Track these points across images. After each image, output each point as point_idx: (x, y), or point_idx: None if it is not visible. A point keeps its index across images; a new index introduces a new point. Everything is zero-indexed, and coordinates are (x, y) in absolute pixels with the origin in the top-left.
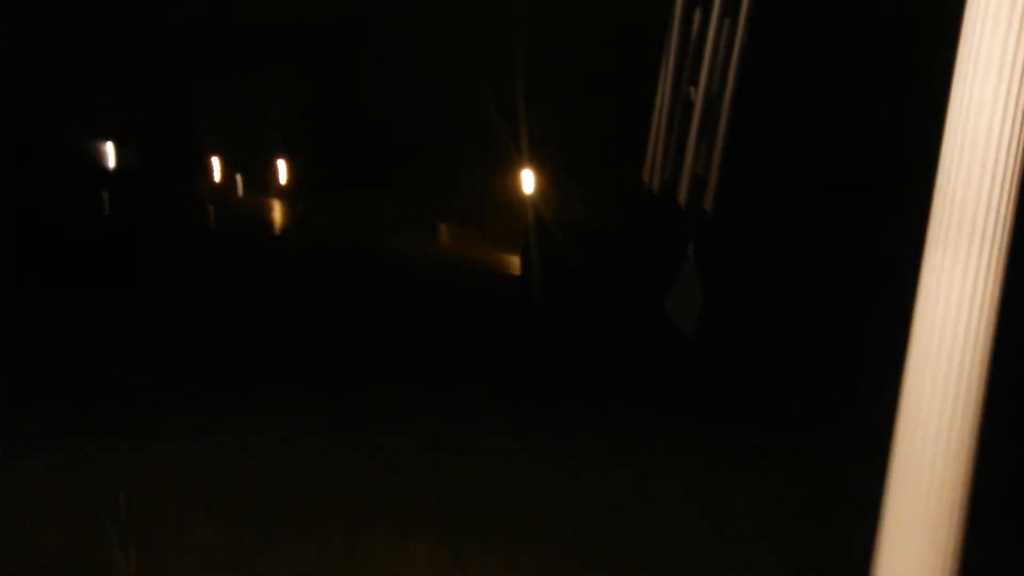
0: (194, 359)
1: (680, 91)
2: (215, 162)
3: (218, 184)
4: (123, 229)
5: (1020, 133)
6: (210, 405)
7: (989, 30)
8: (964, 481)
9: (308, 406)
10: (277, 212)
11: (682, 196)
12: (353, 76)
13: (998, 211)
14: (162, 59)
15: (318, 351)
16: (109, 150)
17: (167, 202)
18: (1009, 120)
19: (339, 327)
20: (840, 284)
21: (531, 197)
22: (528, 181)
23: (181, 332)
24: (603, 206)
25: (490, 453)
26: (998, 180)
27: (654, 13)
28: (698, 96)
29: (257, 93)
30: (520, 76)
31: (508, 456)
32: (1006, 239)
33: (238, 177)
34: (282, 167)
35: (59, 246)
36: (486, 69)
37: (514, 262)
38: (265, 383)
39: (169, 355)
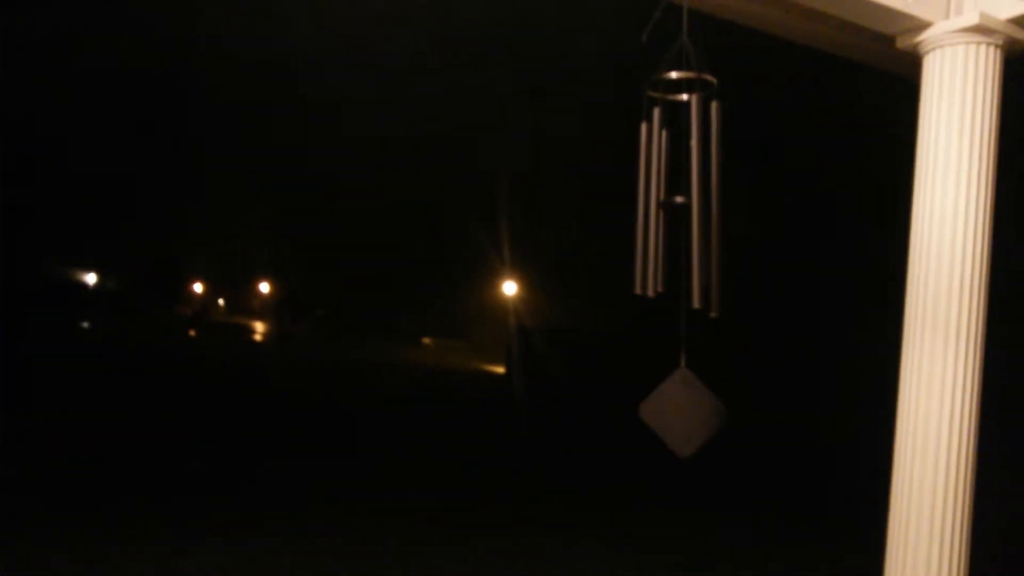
0: (172, 482)
1: (657, 203)
2: (198, 286)
3: (200, 307)
4: (99, 356)
5: (982, 229)
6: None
7: (944, 133)
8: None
9: (295, 523)
10: (260, 332)
11: (692, 303)
12: (336, 197)
13: (969, 307)
14: (144, 187)
15: (307, 465)
16: (90, 278)
17: (148, 328)
18: (972, 218)
19: (329, 442)
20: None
21: (513, 307)
22: (510, 292)
23: (159, 454)
24: (583, 313)
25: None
26: (967, 279)
27: (632, 129)
28: (693, 208)
29: (240, 218)
30: (501, 190)
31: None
32: (981, 332)
33: (220, 300)
34: (264, 288)
35: (36, 372)
36: (468, 185)
37: (498, 369)
38: (256, 494)
39: (149, 478)
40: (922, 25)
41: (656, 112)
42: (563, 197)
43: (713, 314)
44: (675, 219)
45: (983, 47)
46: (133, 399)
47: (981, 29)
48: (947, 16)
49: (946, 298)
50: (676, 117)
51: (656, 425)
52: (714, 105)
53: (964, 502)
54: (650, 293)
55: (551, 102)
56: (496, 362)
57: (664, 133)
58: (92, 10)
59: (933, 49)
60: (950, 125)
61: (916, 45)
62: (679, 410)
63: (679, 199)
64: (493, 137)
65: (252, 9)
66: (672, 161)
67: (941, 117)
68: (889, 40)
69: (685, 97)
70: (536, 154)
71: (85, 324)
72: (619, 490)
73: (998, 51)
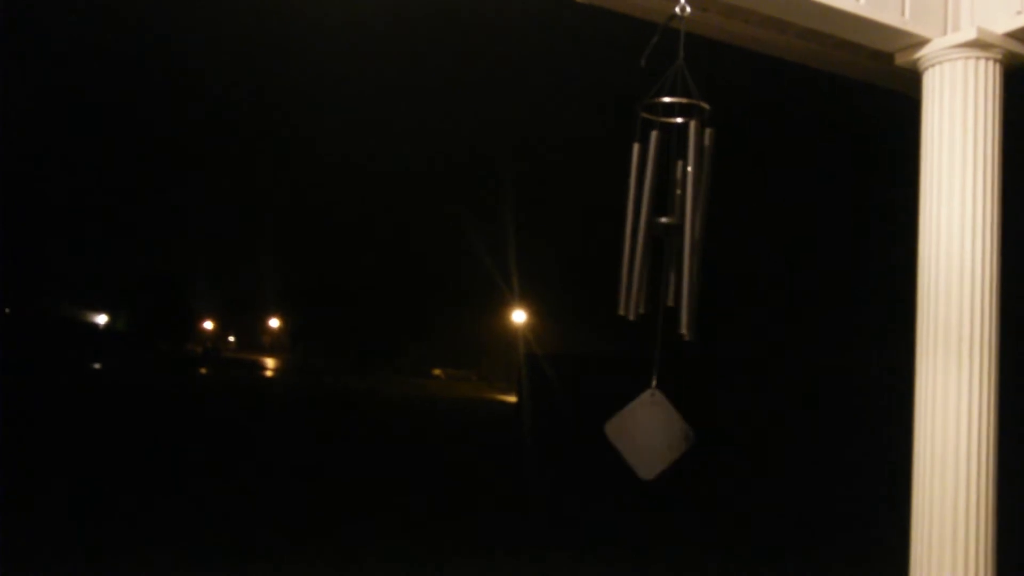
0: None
1: (643, 224)
2: (208, 324)
3: (210, 345)
4: (111, 396)
5: (990, 245)
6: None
7: (947, 149)
8: None
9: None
10: (270, 368)
11: (659, 326)
12: (345, 231)
13: (982, 323)
14: (153, 226)
15: (322, 506)
16: (101, 319)
17: (160, 366)
18: (979, 234)
19: (347, 483)
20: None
21: (523, 335)
22: (519, 321)
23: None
24: (591, 337)
25: None
26: (977, 289)
27: (628, 153)
28: (677, 229)
29: (248, 254)
30: (508, 220)
31: None
32: (995, 347)
33: (230, 337)
34: (274, 324)
35: (48, 415)
36: (475, 216)
37: (509, 399)
38: (270, 535)
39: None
40: (920, 42)
41: (652, 135)
42: (569, 220)
43: (686, 336)
44: (658, 241)
45: (982, 62)
46: (144, 435)
47: (979, 44)
48: (945, 32)
49: (957, 315)
50: (668, 139)
51: (620, 445)
52: (707, 132)
53: (987, 517)
54: (631, 316)
55: (555, 129)
56: (508, 391)
57: (655, 155)
58: (90, 59)
59: (932, 65)
60: (952, 140)
61: (915, 62)
62: (646, 432)
63: (664, 219)
64: (499, 165)
65: (259, 44)
66: (662, 183)
67: (943, 133)
68: (888, 58)
69: (679, 120)
70: (541, 178)
71: (96, 365)
72: (627, 518)
73: (997, 65)
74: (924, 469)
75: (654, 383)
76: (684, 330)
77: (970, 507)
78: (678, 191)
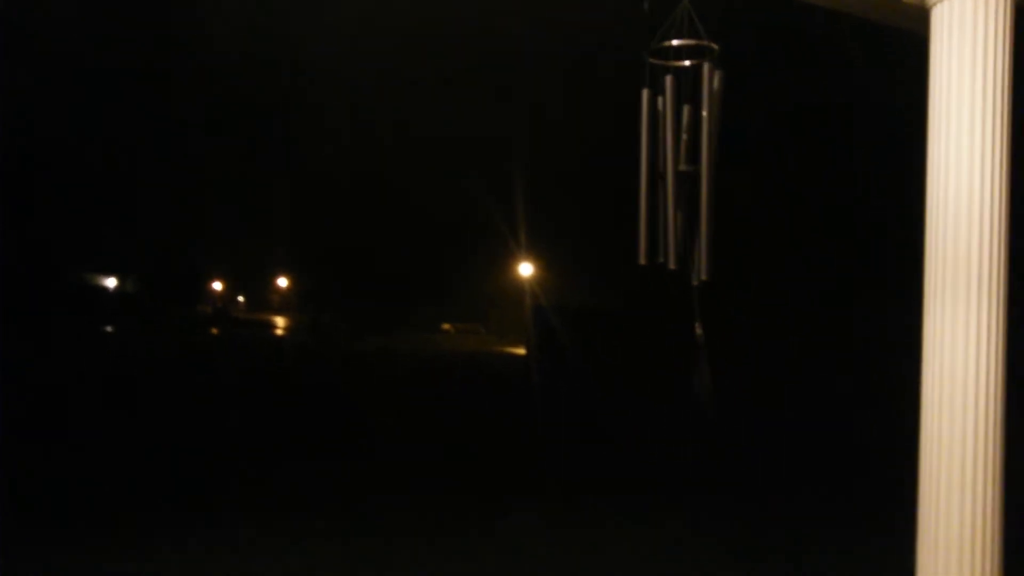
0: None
1: (658, 173)
2: (217, 284)
3: (220, 305)
4: (125, 359)
5: (999, 184)
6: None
7: (955, 87)
8: (993, 534)
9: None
10: (281, 327)
11: (688, 273)
12: (349, 188)
13: (990, 260)
14: (158, 188)
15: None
16: (110, 283)
17: (171, 328)
18: (988, 173)
19: (347, 435)
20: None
21: (530, 288)
22: (527, 274)
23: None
24: (597, 290)
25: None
26: (986, 230)
27: (635, 103)
28: (690, 176)
29: (256, 214)
30: (515, 174)
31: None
32: (1003, 285)
33: (240, 297)
34: (283, 283)
35: (64, 379)
36: (481, 171)
37: (518, 351)
38: (282, 486)
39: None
40: None
41: (667, 79)
42: (576, 172)
43: (703, 278)
44: (678, 188)
45: None
46: (159, 399)
47: None
48: None
49: (966, 257)
50: (677, 84)
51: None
52: (716, 74)
53: (994, 458)
54: (647, 263)
55: (556, 75)
56: (516, 344)
57: (665, 100)
58: (95, 9)
59: (940, 1)
60: (961, 78)
61: None
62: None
63: (680, 167)
64: (502, 118)
65: (260, 9)
66: (675, 129)
67: (952, 71)
68: None
69: (687, 63)
70: (544, 132)
71: (108, 328)
72: (636, 478)
73: (1008, 0)
74: (932, 410)
75: (700, 330)
76: (701, 275)
77: (978, 445)
78: (684, 136)
